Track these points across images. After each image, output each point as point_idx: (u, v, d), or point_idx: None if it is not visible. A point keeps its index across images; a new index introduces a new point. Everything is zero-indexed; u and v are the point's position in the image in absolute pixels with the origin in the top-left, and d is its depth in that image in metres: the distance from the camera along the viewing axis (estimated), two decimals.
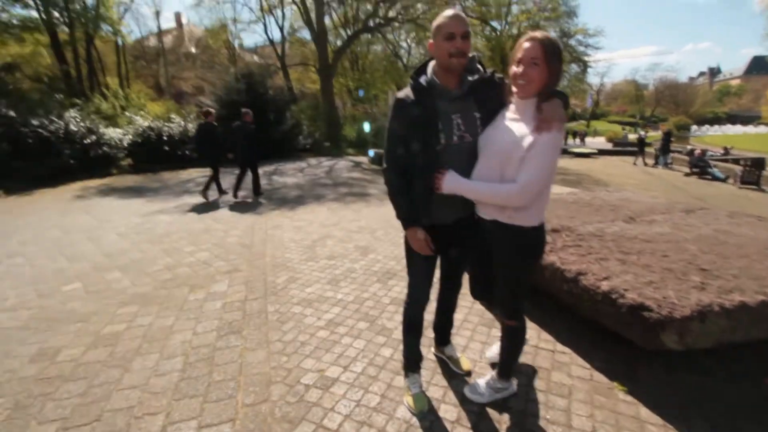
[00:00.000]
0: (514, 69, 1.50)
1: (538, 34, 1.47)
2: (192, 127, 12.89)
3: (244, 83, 13.73)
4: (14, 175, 9.41)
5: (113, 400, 2.09)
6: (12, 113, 10.01)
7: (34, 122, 10.07)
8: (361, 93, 24.83)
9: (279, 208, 6.65)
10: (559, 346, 2.45)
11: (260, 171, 7.80)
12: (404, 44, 27.96)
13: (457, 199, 1.73)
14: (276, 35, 25.64)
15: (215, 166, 7.61)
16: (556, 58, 1.45)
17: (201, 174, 10.63)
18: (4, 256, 4.53)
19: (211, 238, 4.93)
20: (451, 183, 1.62)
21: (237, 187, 7.50)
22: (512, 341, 1.90)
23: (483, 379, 2.05)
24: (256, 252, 4.38)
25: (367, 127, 16.73)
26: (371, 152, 10.26)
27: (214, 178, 7.63)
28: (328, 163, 12.77)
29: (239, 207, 6.80)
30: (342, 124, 19.40)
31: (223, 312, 3.01)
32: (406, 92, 1.68)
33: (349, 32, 21.36)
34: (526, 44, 1.46)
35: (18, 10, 16.30)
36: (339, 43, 22.30)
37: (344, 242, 4.67)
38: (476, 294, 2.09)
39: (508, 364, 1.94)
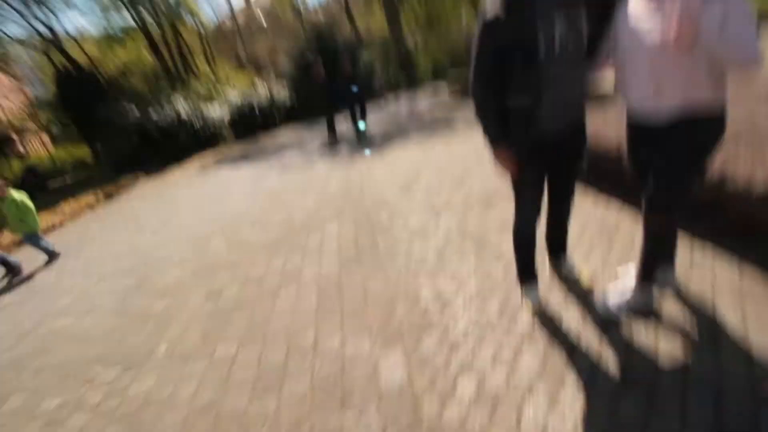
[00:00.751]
0: None
1: None
2: (276, 91, 14.02)
3: (315, 42, 13.88)
4: (145, 161, 11.61)
5: (272, 323, 2.54)
6: (137, 112, 11.93)
7: (154, 117, 11.95)
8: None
9: None
10: (699, 253, 2.21)
11: (341, 117, 8.82)
12: None
13: (566, 106, 1.64)
14: None
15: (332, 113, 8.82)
16: None
17: (294, 135, 11.34)
18: (160, 225, 5.57)
19: (314, 188, 5.36)
20: None
21: (355, 119, 8.96)
22: (655, 240, 1.66)
23: (614, 287, 1.96)
24: (356, 195, 4.65)
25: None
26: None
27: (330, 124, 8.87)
28: (408, 101, 12.51)
29: (332, 156, 7.16)
30: (415, 58, 18.50)
31: (339, 249, 3.34)
32: (496, 10, 1.51)
33: None
34: None
35: (116, 20, 18.89)
36: None
37: (438, 175, 4.67)
38: None
39: (646, 269, 1.74)
